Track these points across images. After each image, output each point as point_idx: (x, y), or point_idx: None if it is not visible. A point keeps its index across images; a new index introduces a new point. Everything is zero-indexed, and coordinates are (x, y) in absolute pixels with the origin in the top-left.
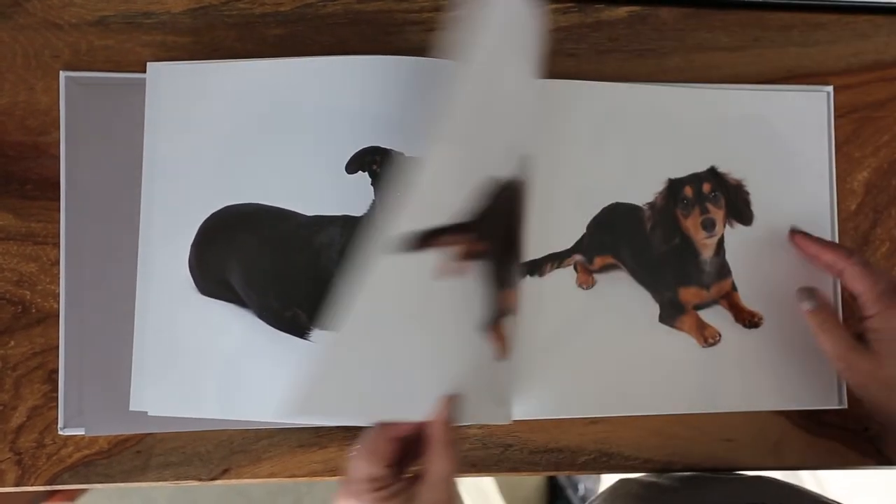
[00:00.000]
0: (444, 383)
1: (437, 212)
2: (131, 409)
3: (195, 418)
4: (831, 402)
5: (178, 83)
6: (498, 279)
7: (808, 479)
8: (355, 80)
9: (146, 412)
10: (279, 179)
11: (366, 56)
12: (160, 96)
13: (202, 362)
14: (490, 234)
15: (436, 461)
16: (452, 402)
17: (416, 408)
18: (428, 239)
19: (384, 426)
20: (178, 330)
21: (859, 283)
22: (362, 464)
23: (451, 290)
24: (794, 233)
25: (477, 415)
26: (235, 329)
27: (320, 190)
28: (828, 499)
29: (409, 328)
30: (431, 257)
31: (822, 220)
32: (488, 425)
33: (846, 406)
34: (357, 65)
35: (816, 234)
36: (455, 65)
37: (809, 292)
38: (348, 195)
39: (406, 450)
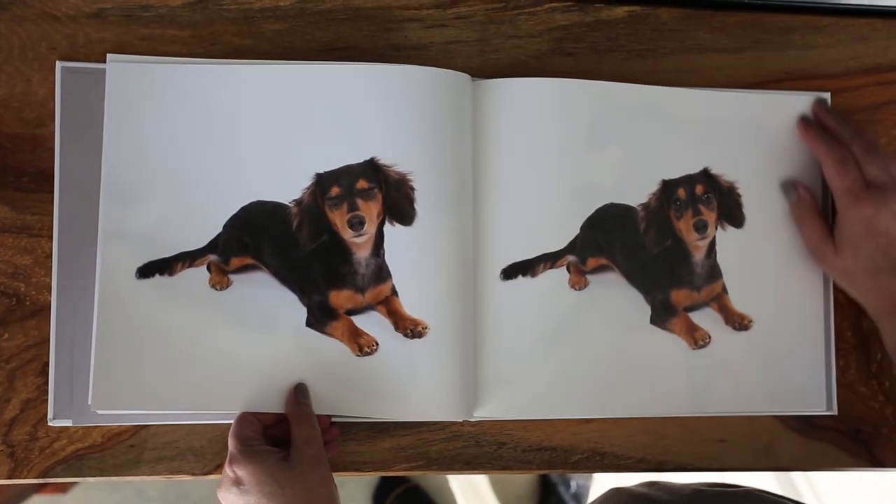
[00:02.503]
0: (285, 377)
1: None
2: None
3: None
4: (819, 406)
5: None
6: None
7: (800, 480)
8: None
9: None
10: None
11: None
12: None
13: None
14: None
15: (295, 429)
16: (299, 388)
17: (264, 399)
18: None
19: (246, 413)
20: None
21: (831, 178)
22: (244, 427)
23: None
24: (803, 121)
25: (380, 408)
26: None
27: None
28: None
29: (239, 332)
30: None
31: None
32: (482, 423)
33: (835, 412)
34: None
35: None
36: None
37: (793, 185)
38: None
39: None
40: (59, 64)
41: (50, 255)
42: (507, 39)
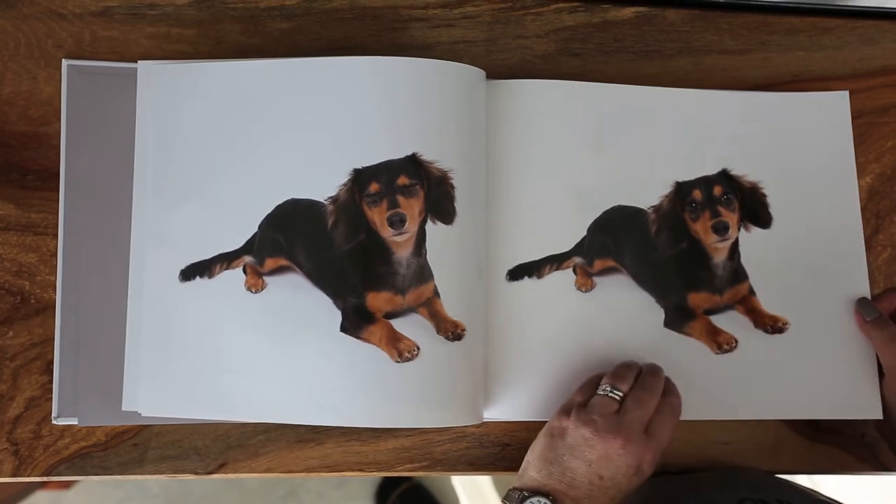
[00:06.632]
0: (314, 384)
1: None
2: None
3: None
4: (873, 411)
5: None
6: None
7: (802, 479)
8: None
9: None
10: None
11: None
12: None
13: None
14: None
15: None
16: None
17: (290, 405)
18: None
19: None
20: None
21: None
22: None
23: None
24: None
25: (409, 416)
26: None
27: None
28: (814, 492)
29: (271, 336)
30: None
31: (849, 221)
32: (486, 424)
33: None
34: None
35: (844, 238)
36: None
37: (868, 304)
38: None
39: None
40: (65, 62)
41: (55, 254)
42: (514, 40)
